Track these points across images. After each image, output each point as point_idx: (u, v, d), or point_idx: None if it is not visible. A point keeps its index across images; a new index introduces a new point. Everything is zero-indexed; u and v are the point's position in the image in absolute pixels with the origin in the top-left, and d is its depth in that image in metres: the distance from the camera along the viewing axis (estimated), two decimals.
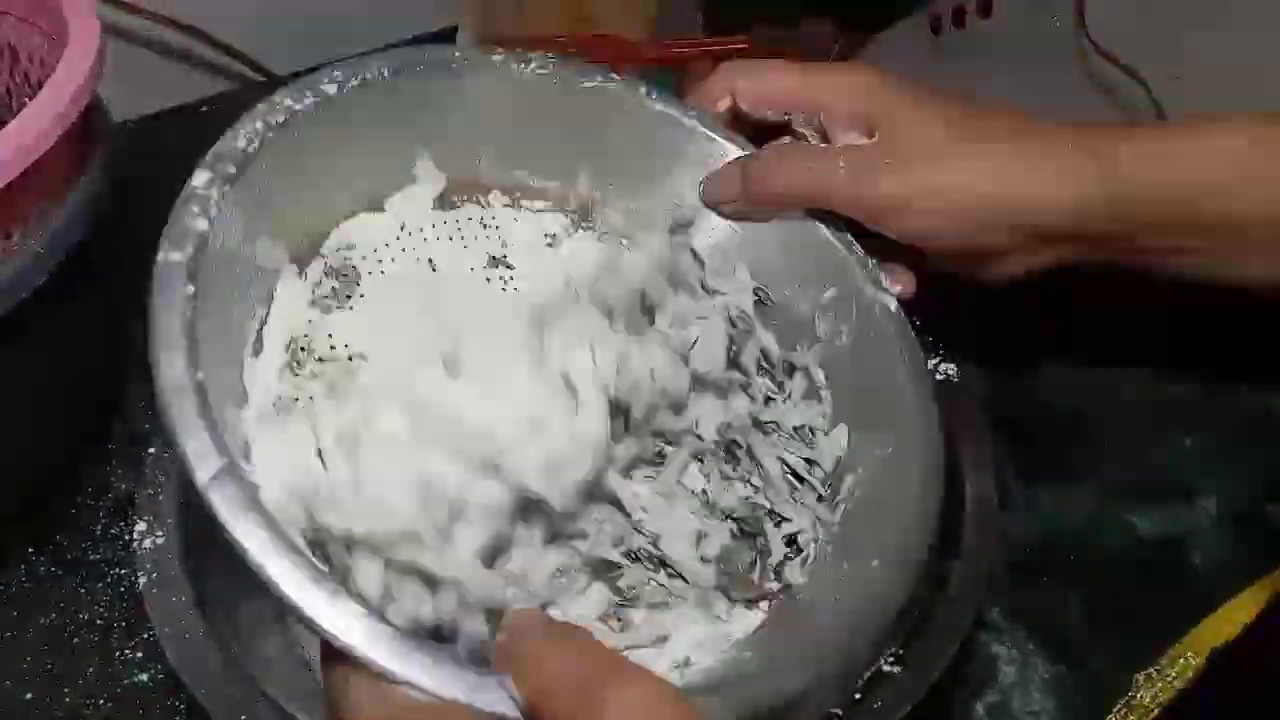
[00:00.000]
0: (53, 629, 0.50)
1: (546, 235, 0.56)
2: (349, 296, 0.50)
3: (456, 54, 0.54)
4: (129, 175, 0.55)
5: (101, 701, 0.48)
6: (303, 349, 0.47)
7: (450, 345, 0.47)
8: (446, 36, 0.87)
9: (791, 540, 0.47)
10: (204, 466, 0.35)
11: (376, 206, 0.53)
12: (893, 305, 0.51)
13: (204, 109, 0.86)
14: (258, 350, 0.46)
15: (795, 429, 0.50)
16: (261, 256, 0.46)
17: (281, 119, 0.46)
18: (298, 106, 0.47)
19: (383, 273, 0.51)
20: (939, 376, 0.57)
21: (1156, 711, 0.46)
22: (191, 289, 0.39)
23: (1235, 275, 0.48)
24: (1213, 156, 0.45)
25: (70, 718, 0.47)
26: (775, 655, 0.40)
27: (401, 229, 0.53)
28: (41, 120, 0.46)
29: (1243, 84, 0.61)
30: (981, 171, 0.46)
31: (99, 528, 0.54)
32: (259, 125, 0.45)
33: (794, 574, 0.45)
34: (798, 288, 0.54)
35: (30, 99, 0.54)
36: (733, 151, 0.54)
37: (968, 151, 0.46)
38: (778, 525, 0.47)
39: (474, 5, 0.87)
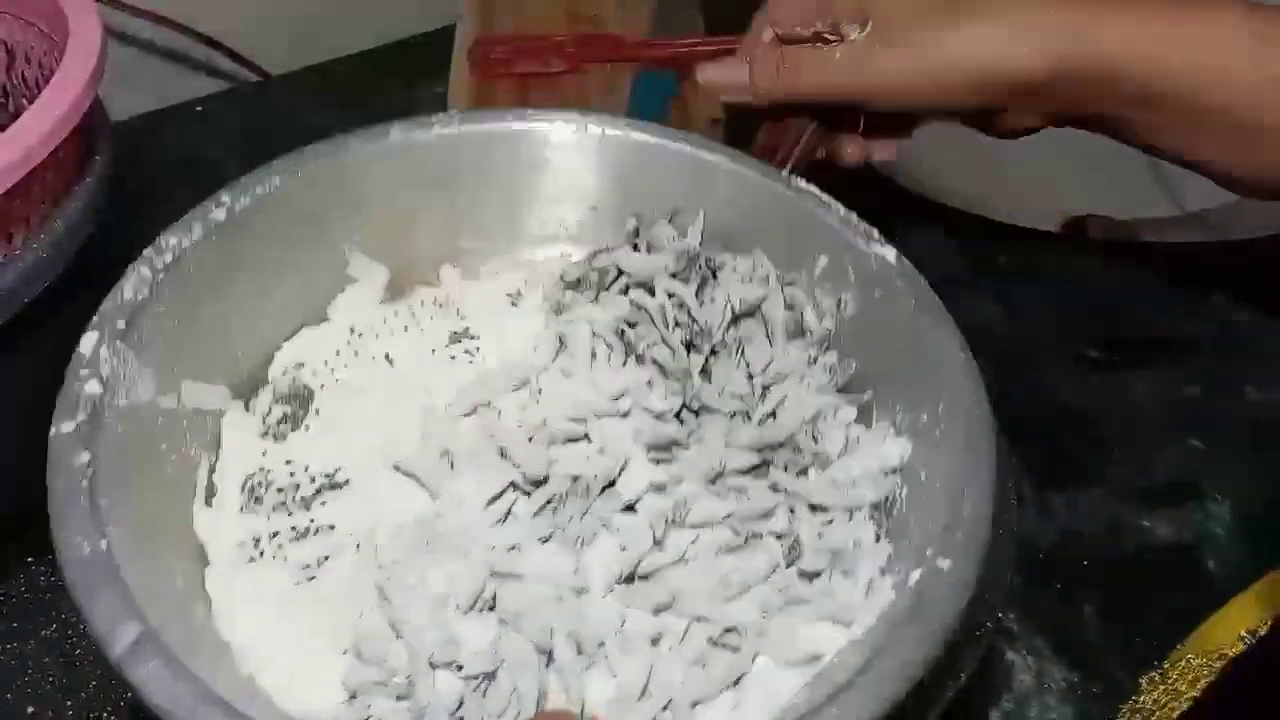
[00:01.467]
0: (54, 641, 0.49)
1: (507, 295, 0.54)
2: (304, 417, 0.48)
3: (350, 141, 0.50)
4: (123, 176, 0.54)
5: (105, 715, 0.47)
6: (261, 483, 0.45)
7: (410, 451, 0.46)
8: (444, 35, 0.86)
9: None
10: (118, 639, 0.33)
11: (318, 318, 0.52)
12: (891, 256, 0.48)
13: (199, 109, 0.85)
14: (210, 498, 0.44)
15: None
16: (192, 401, 0.45)
17: (169, 259, 0.44)
18: (185, 243, 0.45)
19: (337, 382, 0.49)
20: None
21: (1160, 715, 0.45)
22: (87, 456, 0.37)
23: (1201, 159, 0.49)
24: (1192, 43, 0.46)
25: None
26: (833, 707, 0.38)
27: (351, 332, 0.52)
28: (45, 122, 0.44)
29: None
30: (963, 43, 0.48)
31: None
32: (145, 271, 0.43)
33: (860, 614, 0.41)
34: (800, 274, 0.51)
35: (28, 100, 0.53)
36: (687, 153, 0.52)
37: (951, 24, 0.48)
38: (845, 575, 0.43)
39: (471, 4, 0.87)
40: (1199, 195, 0.74)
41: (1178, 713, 0.43)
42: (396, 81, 0.87)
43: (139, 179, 0.54)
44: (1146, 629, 0.52)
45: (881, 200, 0.75)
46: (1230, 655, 0.45)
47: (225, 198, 0.47)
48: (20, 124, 0.44)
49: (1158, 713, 0.44)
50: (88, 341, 0.40)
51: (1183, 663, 0.45)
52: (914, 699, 0.41)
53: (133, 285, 0.43)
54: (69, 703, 0.47)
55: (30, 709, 0.47)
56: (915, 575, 0.39)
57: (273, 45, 0.87)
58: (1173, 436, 0.62)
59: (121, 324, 0.41)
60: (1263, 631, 0.43)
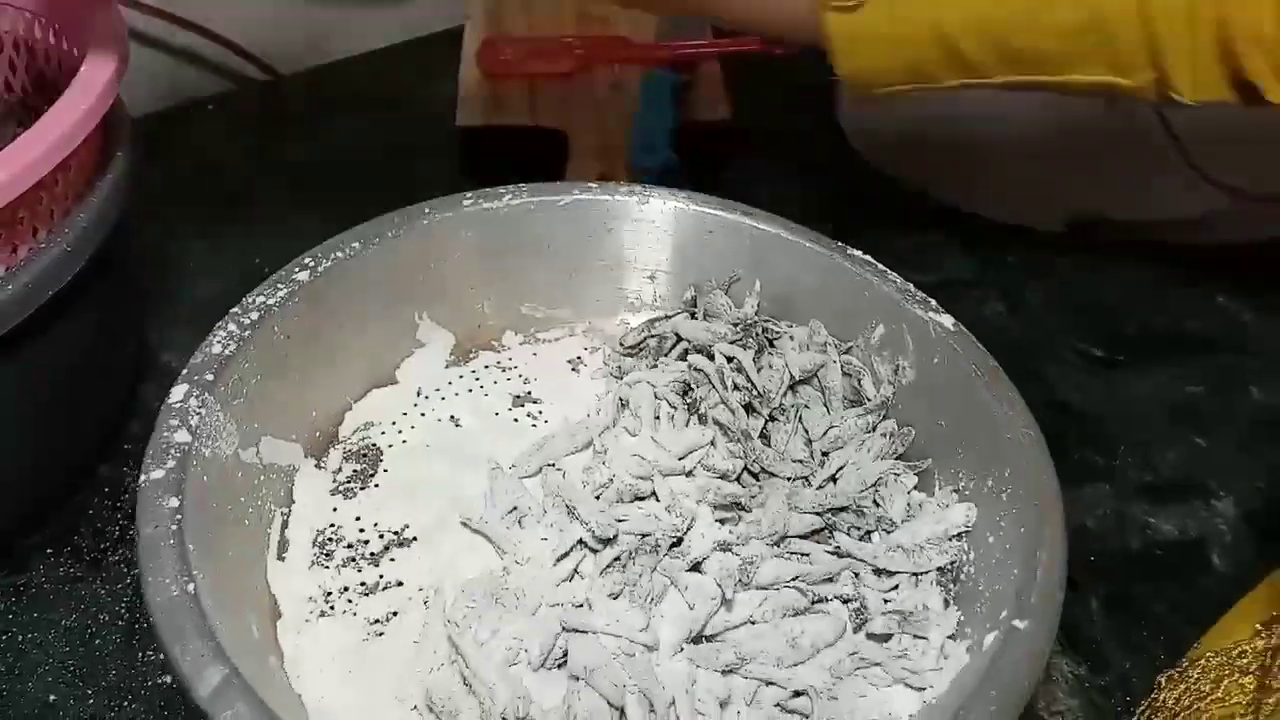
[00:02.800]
0: (74, 630, 0.50)
1: (568, 361, 0.56)
2: (372, 475, 0.49)
3: (426, 210, 0.52)
4: (141, 173, 0.55)
5: (126, 703, 0.47)
6: (331, 539, 0.46)
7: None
8: (453, 36, 0.87)
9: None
10: (202, 682, 0.34)
11: (387, 380, 0.53)
12: (949, 323, 0.48)
13: (210, 107, 0.86)
14: (282, 553, 0.45)
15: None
16: (269, 456, 0.46)
17: (256, 316, 0.46)
18: (270, 301, 0.47)
19: (404, 442, 0.51)
20: None
21: (1181, 713, 0.46)
22: (176, 502, 0.38)
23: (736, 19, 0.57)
24: None
25: (95, 719, 0.47)
26: None
27: (418, 394, 0.53)
28: (69, 119, 0.45)
29: None
30: None
31: (117, 529, 0.54)
32: (233, 328, 0.45)
33: (933, 678, 0.41)
34: (860, 342, 0.52)
35: (46, 100, 0.54)
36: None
37: None
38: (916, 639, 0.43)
39: (481, 5, 0.87)
40: (1203, 199, 0.75)
41: (1205, 715, 0.43)
42: (407, 81, 0.88)
43: (153, 177, 0.55)
44: (1153, 623, 0.52)
45: (889, 202, 0.77)
46: (1250, 650, 0.45)
47: (309, 260, 0.49)
48: (45, 120, 0.45)
49: (1182, 713, 0.44)
50: (178, 392, 0.42)
51: (1202, 661, 0.46)
52: None
53: (220, 341, 0.44)
54: (90, 690, 0.48)
55: (52, 697, 0.47)
56: (990, 638, 0.39)
57: (284, 45, 0.88)
58: (1177, 434, 0.62)
59: (209, 376, 0.43)
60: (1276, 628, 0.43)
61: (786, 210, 0.58)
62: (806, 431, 0.50)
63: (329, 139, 0.82)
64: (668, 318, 0.55)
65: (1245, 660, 0.44)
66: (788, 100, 0.85)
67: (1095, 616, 0.53)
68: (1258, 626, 0.44)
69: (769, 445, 0.49)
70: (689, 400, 0.50)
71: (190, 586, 0.36)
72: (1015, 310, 0.70)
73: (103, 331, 0.53)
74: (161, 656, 0.48)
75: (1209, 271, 0.72)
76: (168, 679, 0.48)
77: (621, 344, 0.55)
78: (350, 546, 0.46)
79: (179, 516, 0.38)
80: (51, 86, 0.57)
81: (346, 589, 0.45)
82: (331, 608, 0.44)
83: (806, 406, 0.51)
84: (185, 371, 0.43)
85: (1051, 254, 0.73)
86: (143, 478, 0.39)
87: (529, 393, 0.54)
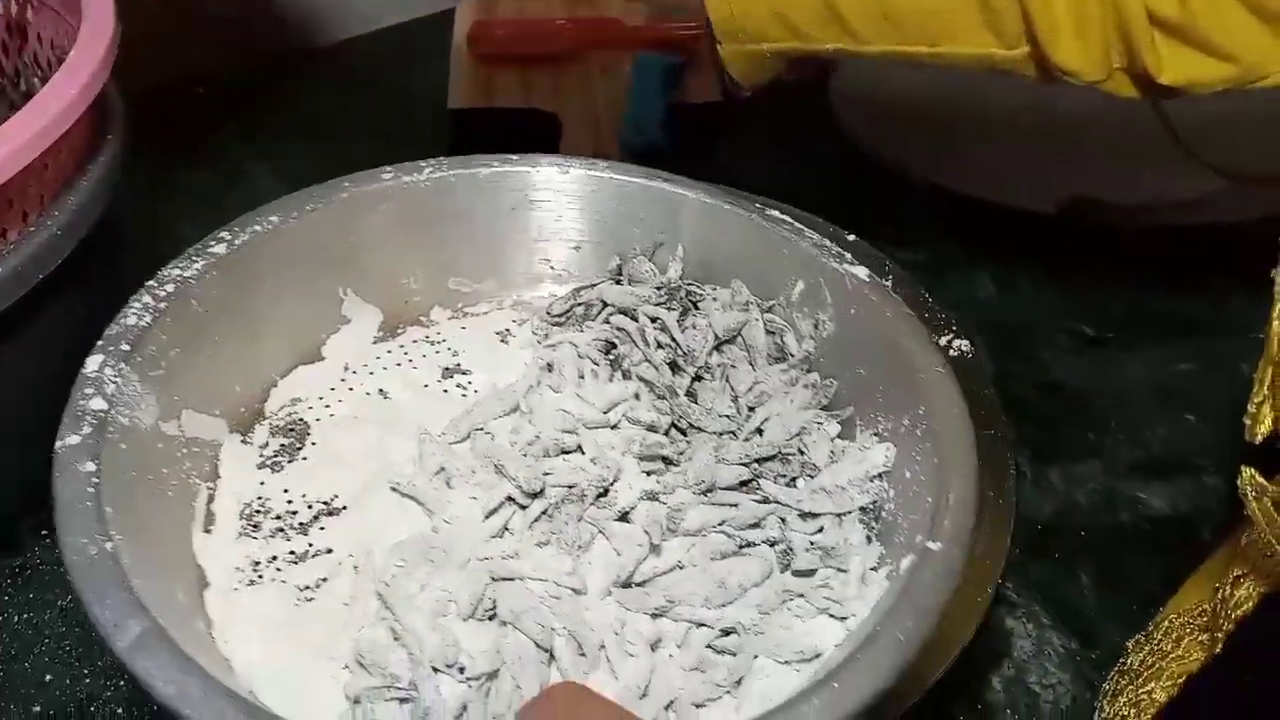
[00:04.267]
0: (70, 611, 0.50)
1: (497, 333, 0.56)
2: (300, 449, 0.49)
3: (345, 183, 0.52)
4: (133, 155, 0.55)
5: (121, 683, 0.48)
6: (259, 511, 0.46)
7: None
8: (446, 19, 0.86)
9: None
10: (122, 633, 0.34)
11: (314, 356, 0.53)
12: (864, 274, 0.49)
13: (201, 90, 0.85)
14: (209, 526, 0.45)
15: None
16: (192, 430, 0.46)
17: (171, 289, 0.45)
18: (186, 274, 0.46)
19: (332, 416, 0.51)
20: (953, 352, 0.58)
21: (1145, 673, 0.46)
22: (93, 466, 0.38)
23: None
24: None
25: (91, 699, 0.47)
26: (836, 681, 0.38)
27: (346, 370, 0.53)
28: (60, 101, 0.44)
29: None
30: None
31: None
32: (148, 299, 0.45)
33: (855, 606, 0.42)
34: (780, 300, 0.53)
35: (40, 79, 0.53)
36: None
37: None
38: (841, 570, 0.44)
39: None
40: (1195, 181, 0.75)
41: (1166, 673, 0.44)
42: (399, 63, 0.88)
43: (146, 159, 0.55)
44: (1143, 597, 0.52)
45: (881, 184, 0.77)
46: (1208, 609, 0.45)
47: (225, 234, 0.48)
48: (35, 103, 0.45)
49: (1145, 673, 0.45)
50: (93, 362, 0.42)
51: (1165, 622, 0.46)
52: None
53: (136, 313, 0.44)
54: (86, 670, 0.48)
55: (48, 677, 0.47)
56: (906, 562, 0.40)
57: (277, 26, 0.87)
58: (1168, 412, 0.63)
59: (125, 347, 0.43)
60: (1228, 585, 0.44)
61: (777, 193, 0.59)
62: (733, 389, 0.51)
63: (321, 121, 0.82)
64: (593, 286, 0.55)
65: (1205, 619, 0.45)
66: (780, 84, 0.85)
67: (1086, 591, 0.53)
68: (1216, 586, 0.44)
69: (696, 403, 0.50)
70: (612, 358, 0.51)
71: (109, 545, 0.36)
72: (1006, 291, 0.70)
73: (94, 314, 0.53)
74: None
75: (1199, 251, 0.73)
76: None
77: (549, 313, 0.55)
78: (278, 518, 0.46)
79: (95, 481, 0.38)
80: (44, 68, 0.57)
81: (275, 558, 0.44)
82: (260, 576, 0.44)
83: (733, 366, 0.52)
84: (100, 342, 0.43)
85: (1042, 235, 0.74)
86: (58, 444, 0.39)
87: (458, 365, 0.54)
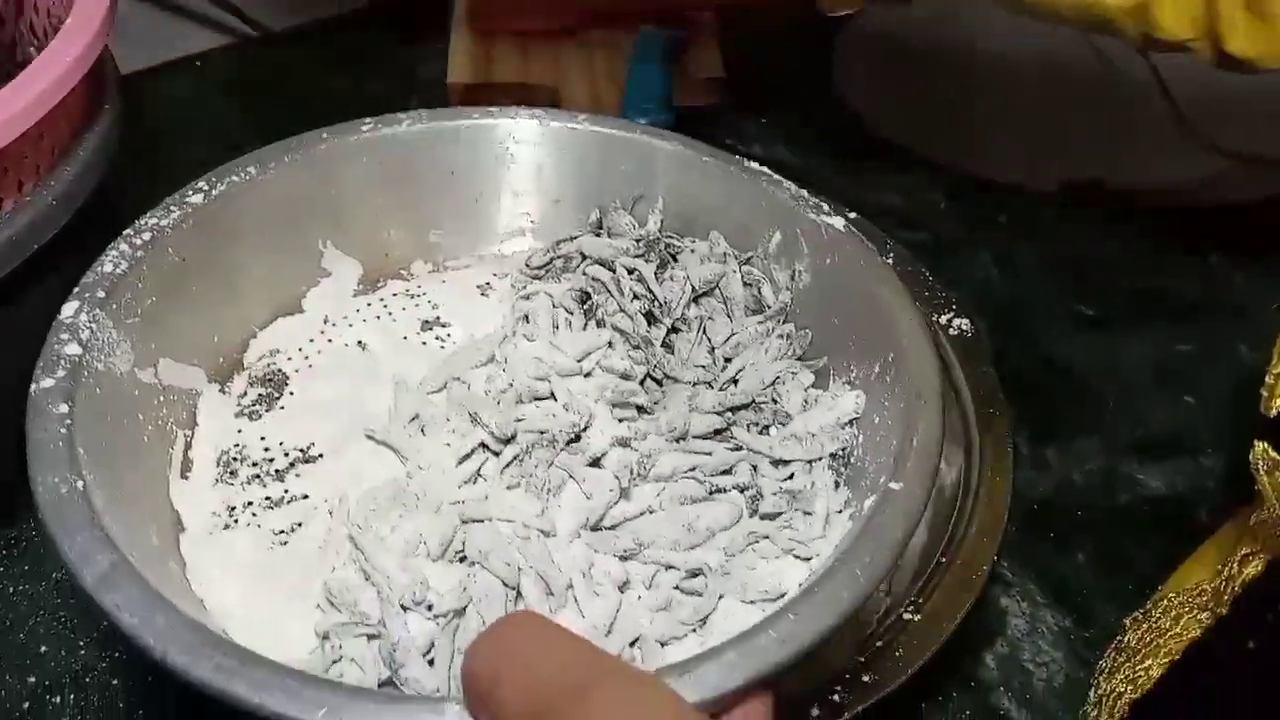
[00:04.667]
0: (65, 583, 0.50)
1: (477, 287, 0.56)
2: (278, 398, 0.49)
3: (324, 135, 0.52)
4: (127, 128, 0.54)
5: (117, 654, 0.48)
6: (236, 458, 0.46)
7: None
8: None
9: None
10: (90, 567, 0.34)
11: (293, 308, 0.53)
12: (840, 225, 0.49)
13: (199, 63, 0.85)
14: (185, 472, 0.45)
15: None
16: (169, 378, 0.46)
17: (148, 237, 0.45)
18: (164, 223, 0.46)
19: (310, 367, 0.51)
20: (953, 331, 0.58)
21: (1142, 650, 0.47)
22: (66, 408, 0.38)
23: None
24: None
25: (86, 670, 0.47)
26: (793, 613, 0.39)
27: (325, 322, 0.53)
28: (56, 69, 0.44)
29: None
30: None
31: None
32: (124, 248, 0.45)
33: (819, 547, 0.42)
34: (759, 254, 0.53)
35: (36, 48, 0.53)
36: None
37: None
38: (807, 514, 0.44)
39: None
40: (1198, 162, 0.75)
41: (1163, 650, 0.44)
42: (397, 37, 0.87)
43: (140, 132, 0.55)
44: (1139, 576, 0.52)
45: (882, 161, 0.76)
46: (1210, 589, 0.45)
47: (202, 184, 0.48)
48: (31, 70, 0.45)
49: (1143, 651, 0.45)
50: (69, 308, 0.42)
51: (1164, 601, 0.47)
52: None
53: (112, 260, 0.44)
54: (81, 643, 0.48)
55: (43, 648, 0.48)
56: (869, 502, 0.40)
57: (273, 1, 0.87)
58: (1167, 393, 0.63)
59: (101, 294, 0.43)
60: (1235, 563, 0.44)
61: (780, 169, 0.58)
62: (709, 341, 0.51)
63: (318, 96, 0.82)
64: (573, 239, 0.55)
65: (1205, 598, 0.45)
66: (783, 59, 0.84)
67: (1082, 570, 0.54)
68: (1219, 568, 0.44)
69: (672, 354, 0.50)
70: (587, 308, 0.51)
71: (80, 484, 0.36)
72: (1006, 269, 0.70)
73: None
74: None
75: (1200, 232, 0.72)
76: None
77: (528, 265, 0.55)
78: (255, 465, 0.46)
79: (69, 422, 0.38)
80: (40, 38, 0.56)
81: (251, 503, 0.45)
82: (235, 521, 0.44)
83: (710, 319, 0.52)
84: (76, 289, 0.43)
85: (1043, 214, 0.73)
86: (33, 387, 0.39)
87: (438, 318, 0.54)
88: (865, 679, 0.44)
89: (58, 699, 0.46)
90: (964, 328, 0.58)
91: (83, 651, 0.48)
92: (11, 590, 0.50)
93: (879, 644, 0.45)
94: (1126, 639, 0.47)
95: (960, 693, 0.49)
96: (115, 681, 0.47)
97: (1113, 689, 0.45)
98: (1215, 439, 0.60)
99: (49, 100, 0.44)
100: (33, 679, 0.47)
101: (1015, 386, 0.58)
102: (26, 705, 0.46)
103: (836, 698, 0.43)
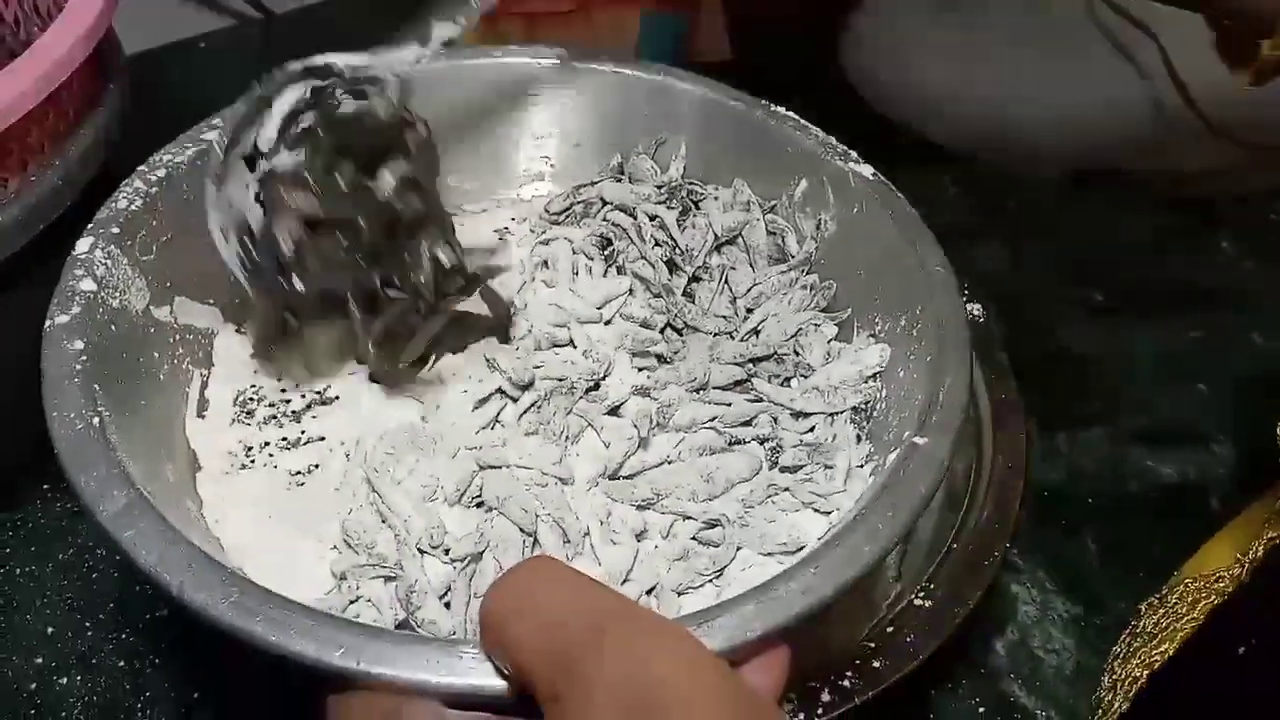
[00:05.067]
0: (70, 565, 0.50)
1: (495, 231, 0.55)
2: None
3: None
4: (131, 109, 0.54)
5: (123, 636, 0.48)
6: (252, 398, 0.46)
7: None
8: None
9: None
10: (107, 502, 0.33)
11: None
12: (868, 173, 0.48)
13: (203, 44, 0.84)
14: (202, 411, 0.45)
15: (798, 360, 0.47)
16: (185, 317, 0.45)
17: (162, 174, 0.45)
18: (179, 159, 0.45)
19: None
20: None
21: (1159, 635, 0.46)
22: (81, 344, 0.38)
23: None
24: None
25: (93, 651, 0.47)
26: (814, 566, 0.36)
27: None
28: (60, 49, 0.44)
29: None
30: None
31: None
32: (139, 184, 0.44)
33: (839, 500, 0.42)
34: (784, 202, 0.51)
35: (40, 29, 0.53)
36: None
37: None
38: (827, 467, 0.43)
39: None
40: (1210, 151, 0.74)
41: (1180, 634, 0.44)
42: (399, 19, 0.86)
43: (143, 114, 0.54)
44: (1149, 564, 0.52)
45: (893, 147, 0.76)
46: (1229, 576, 0.45)
47: (218, 120, 0.47)
48: (34, 50, 0.44)
49: (1159, 635, 0.45)
50: (83, 244, 0.41)
51: (1180, 586, 0.46)
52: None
53: (127, 196, 0.43)
54: (87, 624, 0.48)
55: (49, 629, 0.48)
56: (892, 457, 0.39)
57: None
58: (1177, 381, 0.62)
59: (116, 230, 0.42)
60: (1258, 552, 0.43)
61: None
62: (731, 291, 0.50)
63: None
64: (593, 184, 0.54)
65: (1223, 584, 0.44)
66: (790, 42, 0.84)
67: (1092, 558, 0.53)
68: (1238, 555, 0.44)
69: (693, 304, 0.50)
70: (608, 254, 0.50)
71: (95, 420, 0.36)
72: (1017, 257, 0.70)
73: None
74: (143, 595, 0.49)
75: (1211, 220, 0.72)
76: (165, 612, 0.48)
77: (547, 210, 0.54)
78: (272, 405, 0.46)
79: (84, 359, 0.38)
80: (44, 17, 0.56)
81: (268, 444, 0.45)
82: (252, 461, 0.44)
83: (733, 268, 0.51)
84: (90, 225, 0.42)
85: (1054, 202, 0.73)
86: (47, 323, 0.39)
87: None
88: (875, 665, 0.43)
89: (64, 680, 0.46)
90: (975, 313, 0.57)
91: (89, 633, 0.48)
92: (18, 572, 0.50)
93: (889, 629, 0.45)
94: (1142, 624, 0.46)
95: (970, 679, 0.48)
96: (122, 663, 0.47)
97: (1128, 674, 0.45)
98: (1226, 427, 0.59)
99: (52, 80, 0.44)
100: (39, 660, 0.47)
101: (1025, 374, 0.57)
102: (34, 686, 0.46)
103: (847, 683, 0.43)
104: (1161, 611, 0.45)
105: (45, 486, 0.53)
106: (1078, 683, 0.49)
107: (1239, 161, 0.74)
